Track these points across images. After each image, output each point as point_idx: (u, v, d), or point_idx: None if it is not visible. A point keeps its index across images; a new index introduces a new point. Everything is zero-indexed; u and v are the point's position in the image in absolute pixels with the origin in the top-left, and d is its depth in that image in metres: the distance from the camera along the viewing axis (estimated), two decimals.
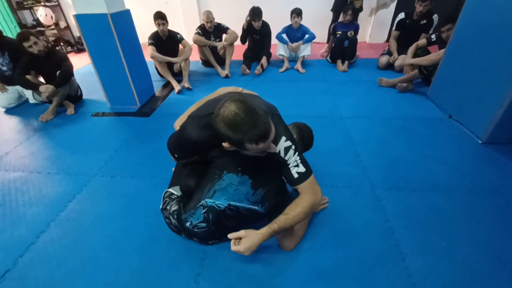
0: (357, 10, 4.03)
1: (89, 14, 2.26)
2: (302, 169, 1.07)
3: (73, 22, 5.28)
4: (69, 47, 5.29)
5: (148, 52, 3.07)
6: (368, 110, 2.61)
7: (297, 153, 1.08)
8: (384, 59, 3.62)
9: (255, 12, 3.48)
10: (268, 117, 0.89)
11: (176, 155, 1.27)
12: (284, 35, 3.83)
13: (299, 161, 1.08)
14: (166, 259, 1.31)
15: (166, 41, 3.25)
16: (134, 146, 2.21)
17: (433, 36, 3.03)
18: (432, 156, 1.95)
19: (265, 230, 1.06)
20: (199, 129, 1.07)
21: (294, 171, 1.07)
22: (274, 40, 3.87)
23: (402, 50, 3.54)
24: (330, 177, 1.75)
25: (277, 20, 3.97)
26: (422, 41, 3.12)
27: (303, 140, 1.39)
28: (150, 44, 3.13)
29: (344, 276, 1.22)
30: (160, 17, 3.05)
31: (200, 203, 1.16)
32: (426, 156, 1.95)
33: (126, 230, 1.47)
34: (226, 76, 3.54)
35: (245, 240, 1.04)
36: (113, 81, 2.64)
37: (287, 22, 3.82)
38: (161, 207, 1.35)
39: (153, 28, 3.19)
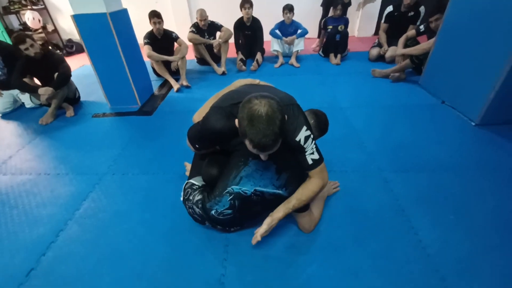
0: (346, 5, 4.12)
1: (87, 14, 2.23)
2: (316, 156, 1.13)
3: (61, 25, 5.15)
4: (58, 51, 5.15)
5: (144, 52, 3.05)
6: (365, 100, 2.69)
7: (314, 141, 1.13)
8: (375, 51, 3.71)
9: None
10: (279, 138, 0.94)
11: (197, 146, 1.28)
12: (277, 31, 3.87)
13: (314, 149, 1.13)
14: (191, 247, 1.33)
15: (161, 40, 3.23)
16: (141, 143, 2.20)
17: (421, 27, 3.14)
18: (431, 139, 2.03)
19: (281, 213, 1.15)
20: (223, 119, 1.10)
21: (309, 158, 1.12)
22: (266, 37, 3.90)
23: (391, 41, 3.65)
24: (339, 163, 1.80)
25: (269, 17, 4.00)
26: (412, 32, 3.22)
27: (320, 125, 1.43)
28: (145, 43, 3.10)
29: (362, 252, 1.27)
30: (155, 15, 3.03)
31: (226, 190, 1.18)
32: (425, 139, 2.04)
33: (146, 223, 1.47)
34: (223, 73, 3.55)
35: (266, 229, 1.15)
36: (113, 81, 2.61)
37: (279, 18, 3.86)
38: (182, 198, 1.37)
39: (144, 28, 3.16)
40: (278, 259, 1.26)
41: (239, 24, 3.73)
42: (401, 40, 3.24)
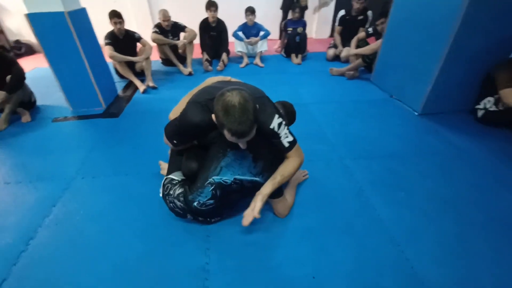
0: (303, 8, 4.33)
1: (43, 12, 2.09)
2: (291, 138, 1.24)
3: (7, 25, 4.67)
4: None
5: (106, 52, 2.92)
6: (325, 96, 2.89)
7: (286, 126, 1.23)
8: (331, 52, 3.97)
9: (210, 1, 3.54)
10: (254, 124, 1.04)
11: (175, 141, 1.31)
12: (240, 33, 3.94)
13: (288, 133, 1.24)
14: (172, 240, 1.35)
15: (123, 41, 3.12)
16: (110, 145, 2.13)
17: (370, 29, 3.44)
18: (383, 129, 2.27)
19: (269, 189, 1.22)
20: (200, 113, 1.15)
21: (285, 141, 1.23)
22: (231, 38, 3.95)
23: (345, 43, 3.94)
24: (306, 154, 1.85)
25: (233, 19, 4.05)
26: (362, 34, 3.52)
27: (288, 115, 1.54)
28: (106, 44, 2.97)
29: (330, 231, 1.40)
30: (116, 15, 2.92)
31: (208, 181, 1.23)
32: (378, 129, 2.27)
33: (124, 222, 1.46)
34: (190, 74, 3.53)
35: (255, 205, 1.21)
36: (75, 83, 2.47)
37: (242, 20, 3.94)
38: (161, 194, 1.38)
39: (102, 28, 3.02)
40: (257, 244, 1.34)
41: (205, 25, 3.74)
42: (353, 41, 3.53)
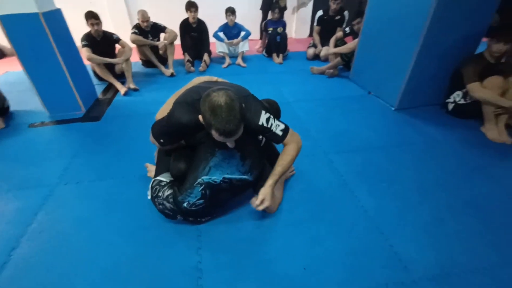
0: (283, 9, 4.38)
1: (16, 14, 1.98)
2: (282, 126, 1.26)
3: None
4: None
5: (83, 55, 2.81)
6: (307, 94, 2.95)
7: (275, 119, 1.25)
8: (311, 51, 4.05)
9: (190, 2, 3.50)
10: (241, 123, 1.05)
11: (161, 140, 1.29)
12: (221, 33, 3.93)
13: (278, 123, 1.26)
14: (163, 241, 1.34)
15: (101, 42, 3.02)
16: (93, 150, 2.06)
17: (347, 29, 3.54)
18: (362, 124, 2.36)
19: (271, 180, 1.28)
20: (188, 113, 1.15)
21: (278, 131, 1.24)
22: (212, 39, 3.93)
23: (324, 42, 4.03)
24: None
25: (213, 19, 4.03)
26: (339, 33, 3.62)
27: (272, 112, 1.54)
28: (84, 45, 2.87)
29: (319, 223, 1.45)
30: (92, 16, 2.82)
31: (197, 182, 1.23)
32: (358, 124, 2.35)
33: (112, 226, 1.43)
34: (172, 75, 3.48)
35: (264, 197, 1.27)
36: (52, 87, 2.37)
37: (222, 21, 3.93)
38: (150, 196, 1.36)
39: (80, 30, 2.91)
40: (248, 239, 1.36)
41: (185, 25, 3.69)
42: (332, 41, 3.62)
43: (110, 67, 3.11)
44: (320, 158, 1.93)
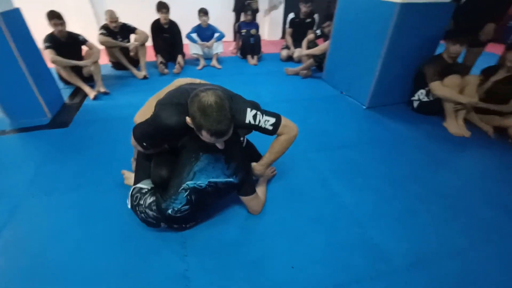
0: (255, 11, 4.41)
1: None
2: (272, 120, 1.23)
3: None
4: None
5: (47, 57, 2.61)
6: (284, 95, 2.99)
7: (262, 114, 1.21)
8: (284, 52, 4.12)
9: (161, 3, 3.39)
10: (232, 123, 1.02)
11: (145, 144, 1.22)
12: (194, 35, 3.86)
13: (266, 117, 1.22)
14: (148, 250, 1.28)
15: (66, 44, 2.82)
16: (62, 158, 1.92)
17: (318, 31, 3.65)
18: (336, 123, 2.44)
19: (263, 161, 1.40)
20: (174, 116, 1.10)
21: (268, 126, 1.23)
22: (185, 40, 3.84)
23: (296, 44, 4.11)
24: None
25: (185, 20, 3.94)
26: (311, 35, 3.72)
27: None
28: (47, 47, 2.66)
29: (301, 221, 1.47)
30: (55, 16, 2.63)
31: (182, 187, 1.19)
32: (332, 123, 2.43)
33: (91, 237, 1.34)
34: (144, 77, 3.34)
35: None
36: (12, 92, 2.17)
37: (194, 22, 3.86)
38: (130, 205, 1.30)
39: (42, 31, 2.69)
40: (234, 242, 1.35)
41: (156, 26, 3.56)
42: (304, 43, 3.71)
43: (77, 70, 2.91)
44: (299, 157, 1.96)
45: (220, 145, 1.11)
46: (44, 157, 1.92)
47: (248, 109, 1.19)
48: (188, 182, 1.19)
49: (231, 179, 1.26)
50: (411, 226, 1.46)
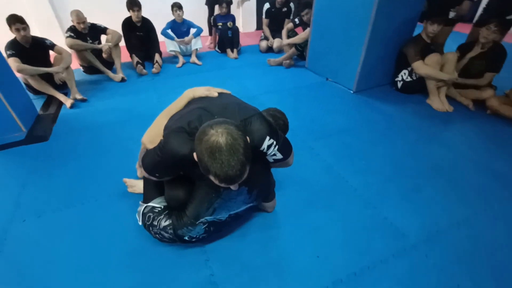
0: (229, 2, 4.27)
1: None
2: (278, 157, 1.09)
3: None
4: None
5: (12, 66, 2.34)
6: (270, 86, 2.95)
7: (277, 147, 1.05)
8: (264, 44, 4.05)
9: (132, 1, 3.17)
10: (246, 166, 0.83)
11: (157, 174, 1.07)
12: (169, 31, 3.67)
13: (277, 152, 1.06)
14: (165, 263, 1.20)
15: (31, 50, 2.55)
16: (47, 175, 1.74)
17: (296, 20, 3.62)
18: (329, 109, 2.45)
19: None
20: (186, 144, 0.94)
21: (271, 159, 1.09)
22: (161, 38, 3.64)
23: (274, 34, 4.05)
24: None
25: (157, 16, 3.73)
26: (290, 25, 3.68)
27: (279, 127, 1.39)
28: (10, 55, 2.38)
29: (315, 210, 1.46)
30: (17, 20, 2.36)
31: (200, 221, 1.10)
32: (325, 110, 2.44)
33: (99, 257, 1.23)
34: (122, 80, 3.13)
35: None
36: None
37: (167, 18, 3.67)
38: (141, 223, 1.20)
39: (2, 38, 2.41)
40: (254, 241, 1.30)
41: (129, 24, 3.33)
42: (284, 32, 3.67)
43: (47, 78, 2.65)
44: (301, 147, 1.94)
45: (234, 187, 0.91)
46: (27, 176, 1.73)
47: (267, 138, 1.01)
48: (207, 217, 1.10)
49: (251, 204, 1.19)
50: (418, 201, 1.51)
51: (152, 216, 1.16)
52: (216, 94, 1.14)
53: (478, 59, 2.36)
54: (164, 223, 1.13)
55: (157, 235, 1.17)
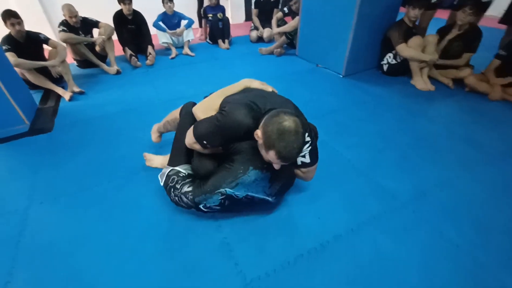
0: None
1: None
2: (307, 160, 1.22)
3: None
4: None
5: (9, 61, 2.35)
6: (263, 74, 3.05)
7: (310, 147, 1.19)
8: (254, 34, 4.12)
9: None
10: (303, 147, 1.05)
11: (205, 142, 1.14)
12: (161, 23, 3.69)
13: (307, 153, 1.20)
14: (182, 231, 1.31)
15: (25, 44, 2.55)
16: (59, 162, 1.80)
17: (285, 9, 3.71)
18: (321, 92, 2.58)
19: None
20: (249, 116, 1.07)
21: (299, 161, 1.21)
22: (152, 30, 3.66)
23: (264, 24, 4.13)
24: None
25: (147, 9, 3.73)
26: (279, 14, 3.76)
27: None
28: (6, 50, 2.37)
29: (315, 181, 1.54)
30: (12, 15, 2.35)
31: (219, 190, 1.17)
32: (317, 93, 2.57)
33: (120, 229, 1.32)
34: (118, 72, 3.15)
35: None
36: None
37: (157, 11, 3.68)
38: (165, 184, 1.30)
39: None
40: (262, 208, 1.39)
41: (120, 18, 3.34)
42: (273, 22, 3.75)
43: (43, 72, 2.66)
44: None
45: (277, 166, 1.06)
46: (38, 165, 1.79)
47: (306, 134, 1.15)
48: (227, 189, 1.17)
49: (268, 198, 1.24)
50: (407, 168, 1.66)
51: (176, 179, 1.25)
52: (270, 89, 1.31)
53: (456, 40, 2.53)
54: (187, 188, 1.22)
55: (176, 198, 1.26)
